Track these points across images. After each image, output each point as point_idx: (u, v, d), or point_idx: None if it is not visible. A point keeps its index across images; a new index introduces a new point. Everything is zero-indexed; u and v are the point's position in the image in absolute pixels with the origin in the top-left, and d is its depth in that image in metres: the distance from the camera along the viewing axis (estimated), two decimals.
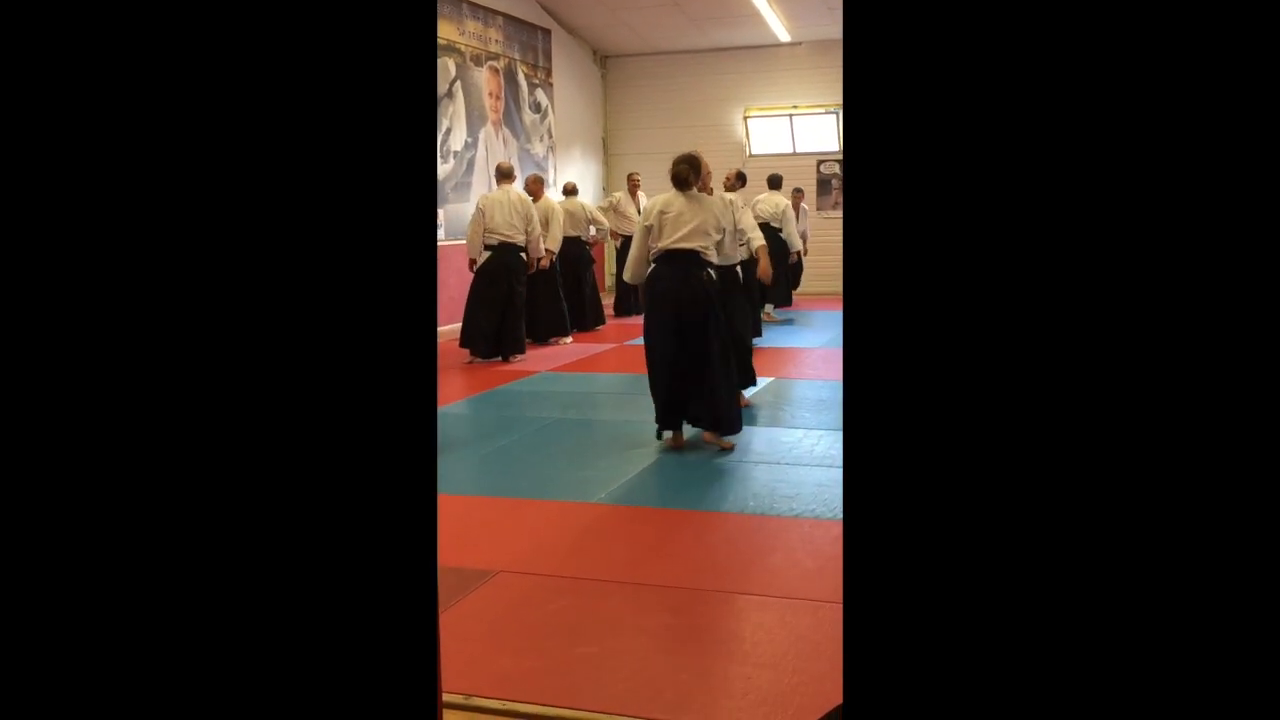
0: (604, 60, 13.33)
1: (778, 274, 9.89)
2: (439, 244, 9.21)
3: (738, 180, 7.01)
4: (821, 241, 11.71)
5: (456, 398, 6.35)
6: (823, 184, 12.62)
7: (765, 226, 9.47)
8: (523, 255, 7.73)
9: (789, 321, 9.91)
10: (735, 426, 4.84)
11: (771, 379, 6.59)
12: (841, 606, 1.06)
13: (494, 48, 10.62)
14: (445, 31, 9.71)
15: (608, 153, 13.48)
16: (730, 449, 4.80)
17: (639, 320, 9.75)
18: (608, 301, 10.53)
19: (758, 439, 5.02)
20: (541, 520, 3.81)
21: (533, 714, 2.33)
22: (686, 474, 4.47)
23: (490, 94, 10.54)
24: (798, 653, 2.63)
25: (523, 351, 7.82)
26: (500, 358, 7.68)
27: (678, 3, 11.30)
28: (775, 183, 9.98)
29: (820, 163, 12.63)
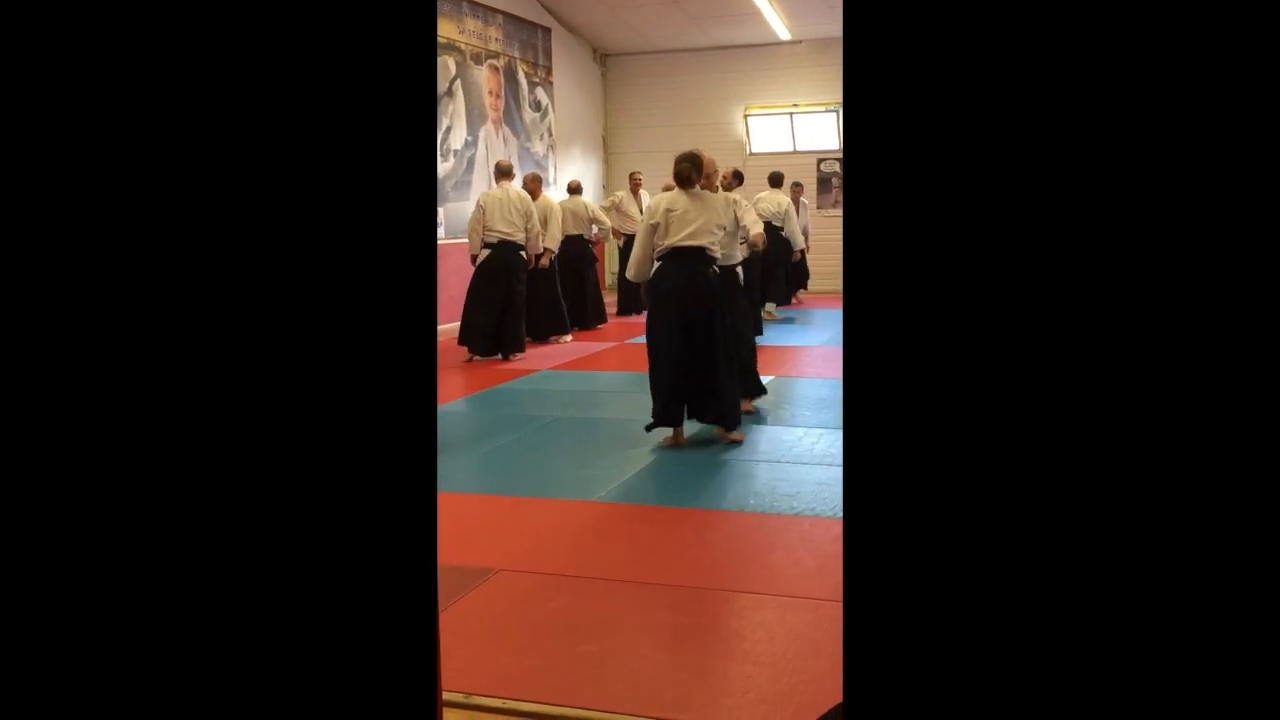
0: (604, 58, 13.33)
1: (779, 272, 9.90)
2: (439, 242, 9.21)
3: (735, 179, 7.01)
4: (822, 240, 11.70)
5: (457, 396, 6.35)
6: (823, 182, 12.61)
7: (767, 225, 9.47)
8: (522, 253, 7.73)
9: (790, 320, 9.91)
10: (739, 420, 4.96)
11: (772, 377, 6.59)
12: (841, 605, 1.06)
13: (494, 46, 10.62)
14: (445, 30, 9.70)
15: (608, 151, 13.48)
16: (740, 440, 4.89)
17: (641, 319, 9.75)
18: (610, 300, 10.53)
19: (758, 437, 5.02)
20: (542, 519, 3.81)
21: (533, 712, 2.33)
22: (687, 472, 4.47)
23: (490, 92, 10.53)
24: (798, 651, 2.63)
25: (523, 350, 7.82)
26: (500, 356, 7.67)
27: (678, 1, 11.30)
28: (776, 181, 9.97)
29: (820, 161, 12.62)
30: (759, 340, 6.69)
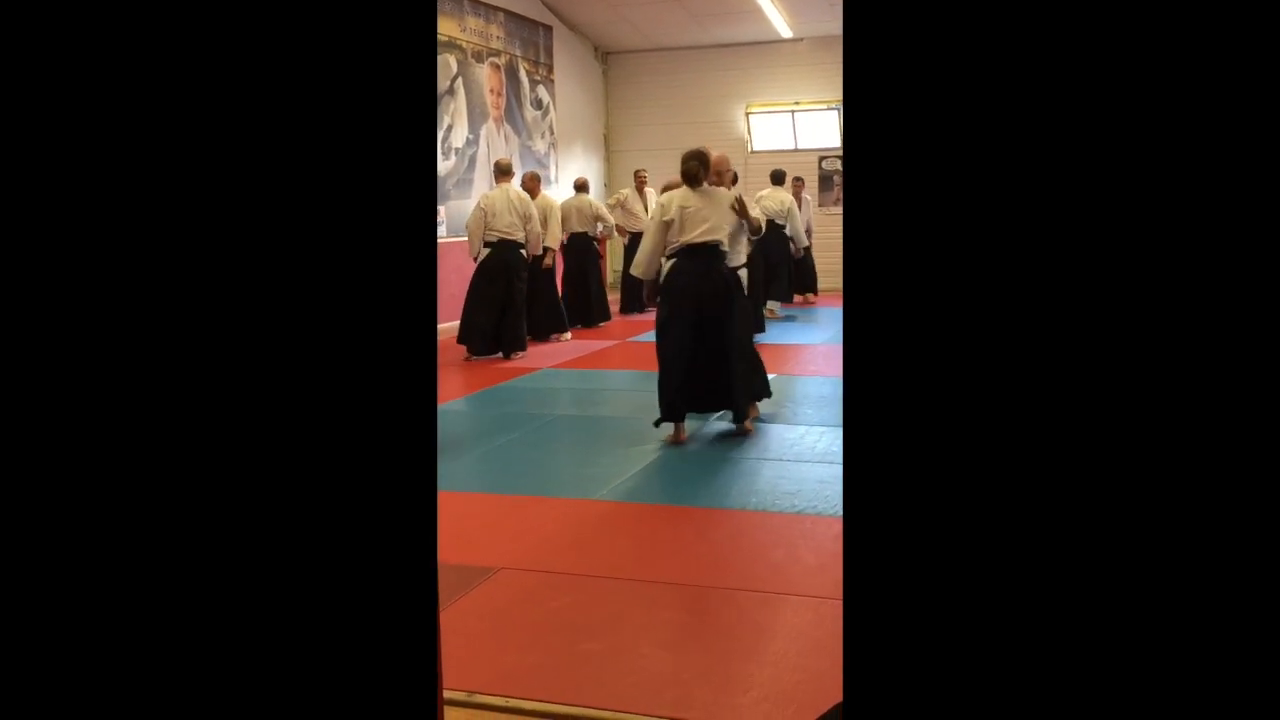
0: (605, 56, 13.32)
1: (782, 270, 9.88)
2: (440, 241, 9.21)
3: (731, 180, 7.00)
4: (823, 238, 11.69)
5: (458, 394, 6.35)
6: (824, 180, 12.60)
7: (770, 223, 9.45)
8: (522, 252, 7.73)
9: (791, 318, 9.91)
10: (746, 413, 5.10)
11: (774, 375, 6.58)
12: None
13: (495, 44, 10.61)
14: (446, 28, 9.70)
15: (609, 149, 13.48)
16: (751, 431, 5.02)
17: (644, 317, 9.78)
18: (612, 298, 10.52)
19: (760, 435, 5.02)
20: (543, 517, 3.81)
21: (535, 711, 2.33)
22: (689, 471, 4.47)
23: (492, 91, 10.53)
24: (799, 649, 2.63)
25: (524, 348, 7.81)
26: (500, 354, 7.67)
27: None
28: (778, 178, 9.96)
29: (822, 159, 12.61)
30: (761, 338, 6.69)
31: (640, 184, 10.57)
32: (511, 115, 10.96)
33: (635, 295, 10.26)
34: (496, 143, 10.55)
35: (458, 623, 2.80)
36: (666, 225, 4.84)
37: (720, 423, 5.24)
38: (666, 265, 4.92)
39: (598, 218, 9.63)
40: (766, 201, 9.42)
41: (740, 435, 4.99)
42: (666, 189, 5.26)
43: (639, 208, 10.31)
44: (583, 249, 9.55)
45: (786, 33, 12.16)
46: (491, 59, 10.53)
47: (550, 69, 11.85)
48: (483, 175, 10.05)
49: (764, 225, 5.54)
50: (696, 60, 12.84)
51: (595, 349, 8.20)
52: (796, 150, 12.60)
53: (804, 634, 2.73)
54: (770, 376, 5.48)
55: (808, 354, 7.64)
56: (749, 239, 5.44)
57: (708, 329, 4.82)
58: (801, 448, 4.77)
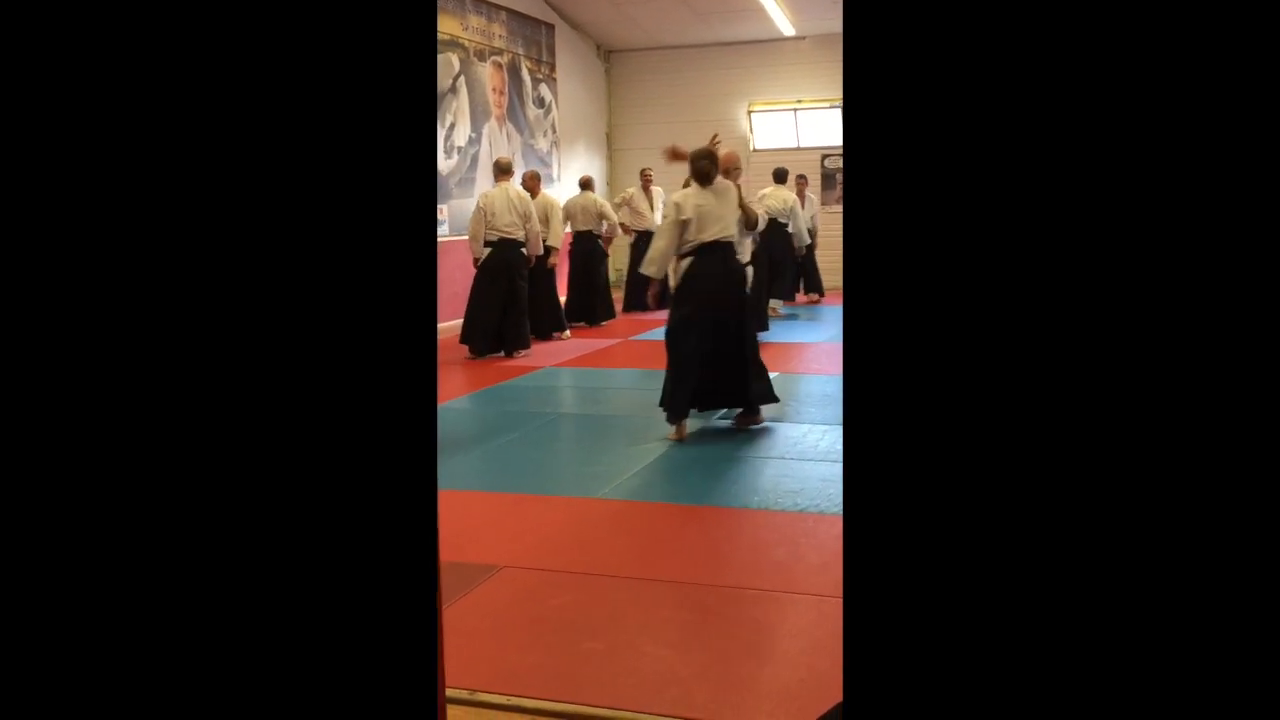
0: (608, 55, 13.32)
1: (785, 269, 9.87)
2: (443, 239, 9.21)
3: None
4: (825, 237, 11.68)
5: (461, 393, 6.35)
6: (827, 178, 12.58)
7: (772, 221, 9.44)
8: (523, 250, 7.73)
9: (794, 316, 9.90)
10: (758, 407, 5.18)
11: (777, 373, 6.58)
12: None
13: (498, 43, 10.61)
14: (449, 26, 9.70)
15: (612, 148, 13.47)
16: (760, 421, 5.07)
17: (648, 316, 9.77)
18: (616, 296, 10.52)
19: (763, 434, 5.02)
20: (546, 515, 3.81)
21: (537, 709, 2.33)
22: (691, 469, 4.47)
23: (494, 89, 10.53)
24: (802, 648, 2.63)
25: (527, 346, 7.81)
26: (502, 353, 7.67)
27: None
28: (780, 177, 9.95)
29: (825, 157, 12.60)
30: (764, 336, 6.69)
31: (646, 183, 10.54)
32: (514, 114, 10.95)
33: (640, 293, 10.25)
34: (499, 141, 10.55)
35: (460, 621, 2.80)
36: (684, 225, 4.85)
37: (722, 421, 5.24)
38: (682, 264, 4.92)
39: (602, 216, 9.62)
40: (769, 200, 9.41)
41: (742, 432, 4.99)
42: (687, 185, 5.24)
43: (645, 206, 10.30)
44: (587, 247, 9.54)
45: (789, 31, 12.15)
46: (494, 57, 10.53)
47: (553, 67, 11.84)
48: (485, 174, 10.05)
49: (761, 220, 5.56)
50: (699, 58, 12.83)
51: (598, 347, 8.20)
52: (799, 149, 12.59)
53: (806, 632, 2.73)
54: (773, 375, 5.47)
55: (810, 352, 7.64)
56: (754, 236, 5.46)
57: (729, 324, 4.88)
58: (804, 446, 4.76)
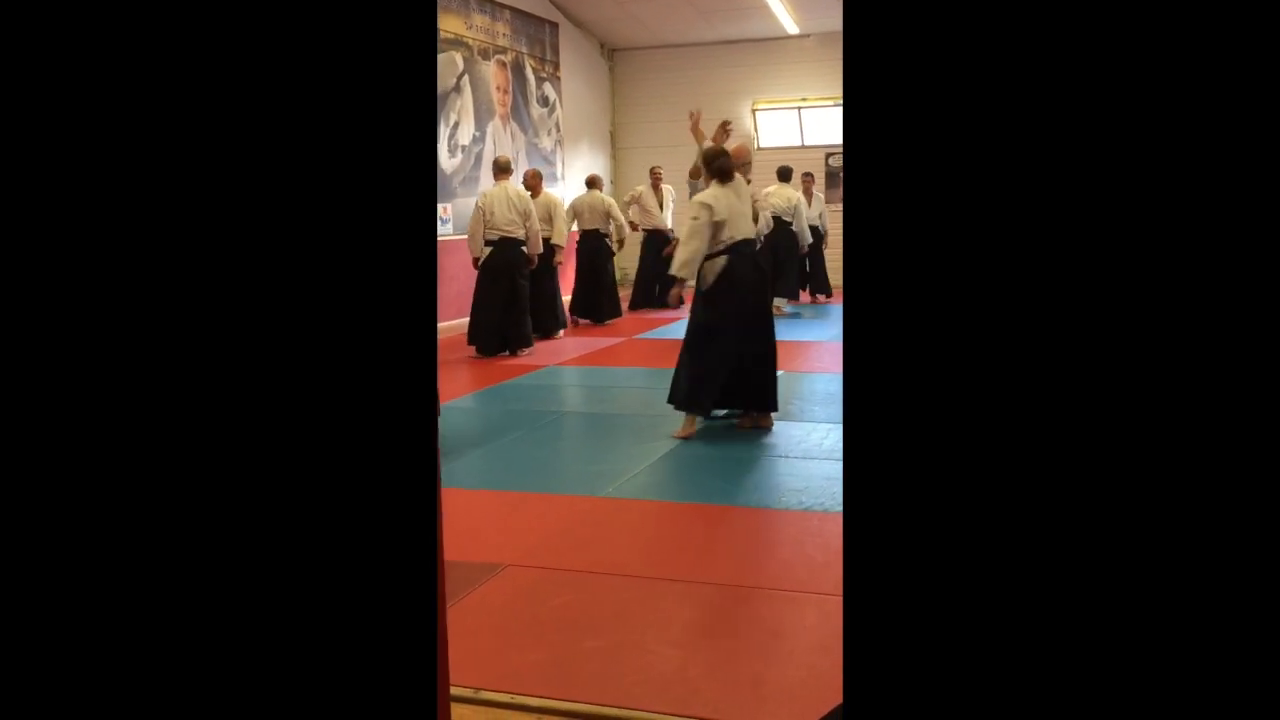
0: (612, 53, 13.31)
1: (789, 268, 9.87)
2: (447, 238, 9.22)
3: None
4: (833, 235, 11.66)
5: (465, 391, 6.35)
6: (831, 177, 12.57)
7: (776, 220, 9.44)
8: (524, 249, 7.72)
9: (798, 315, 9.89)
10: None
11: (781, 372, 6.57)
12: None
13: (501, 41, 10.61)
14: (452, 25, 9.70)
15: (616, 146, 13.47)
16: (770, 426, 5.04)
17: (655, 314, 9.77)
18: (623, 293, 10.51)
19: (767, 432, 5.01)
20: (549, 514, 3.81)
21: (540, 707, 2.33)
22: (695, 468, 4.46)
23: (498, 88, 10.53)
24: (805, 647, 2.63)
25: (530, 345, 7.81)
26: (507, 352, 7.67)
27: None
28: (785, 175, 9.94)
29: (829, 155, 12.59)
30: None
31: (656, 181, 10.50)
32: (518, 112, 10.95)
33: (648, 292, 10.23)
34: (503, 140, 10.55)
35: (464, 619, 2.80)
36: (719, 225, 4.79)
37: (726, 420, 5.24)
38: (716, 264, 4.85)
39: (609, 215, 9.60)
40: (774, 198, 9.40)
41: (745, 431, 5.00)
42: (695, 174, 5.21)
43: (654, 204, 10.27)
44: (594, 246, 9.54)
45: (793, 29, 12.14)
46: (498, 56, 10.53)
47: (556, 66, 11.84)
48: (489, 172, 10.05)
49: (766, 220, 5.58)
50: (703, 57, 12.82)
51: (603, 345, 8.20)
52: (803, 147, 12.58)
53: (810, 631, 2.73)
54: (777, 373, 5.47)
55: (814, 351, 7.63)
56: (759, 235, 5.47)
57: (760, 321, 4.91)
58: (809, 444, 4.76)
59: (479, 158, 10.06)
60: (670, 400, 5.03)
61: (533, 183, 8.61)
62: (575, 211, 9.63)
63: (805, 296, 10.89)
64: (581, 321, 9.48)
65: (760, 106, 12.78)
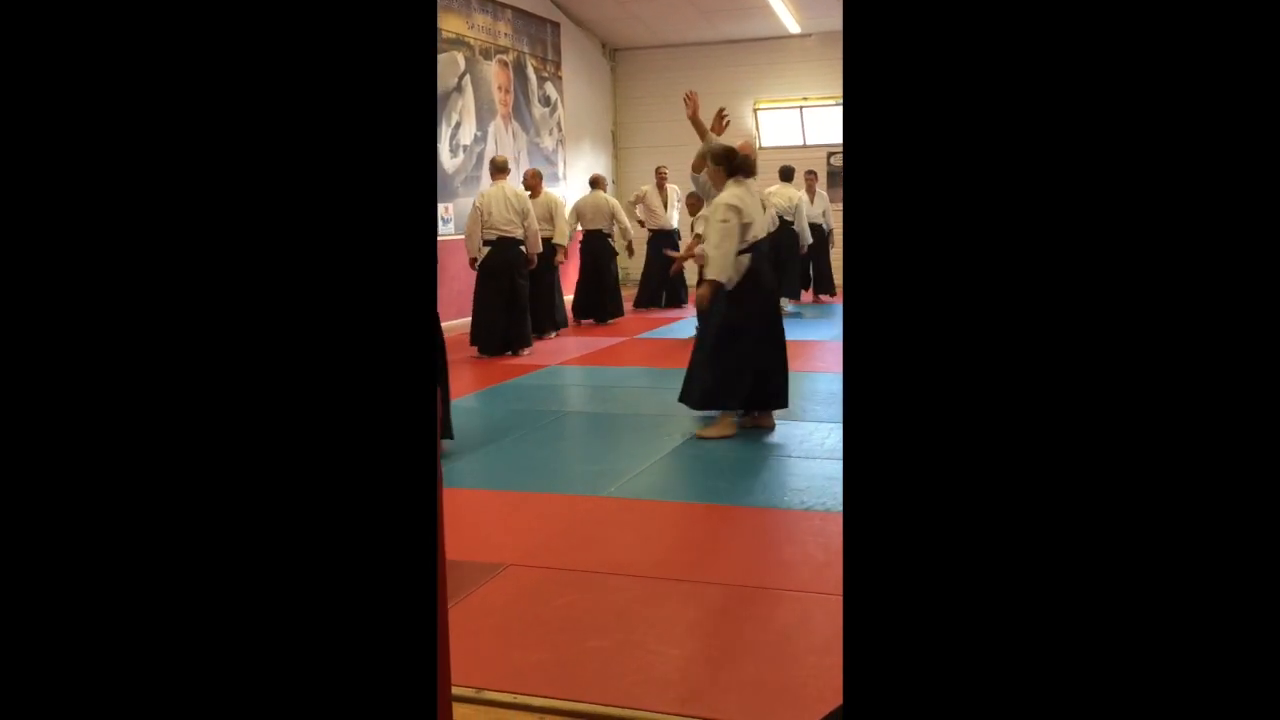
0: (613, 53, 13.31)
1: (791, 267, 9.86)
2: (449, 238, 9.22)
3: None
4: (837, 234, 11.66)
5: (467, 391, 6.35)
6: (833, 176, 12.57)
7: (779, 220, 9.43)
8: (522, 249, 7.72)
9: (799, 314, 9.89)
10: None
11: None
12: None
13: (503, 41, 10.61)
14: (454, 25, 9.71)
15: (617, 146, 13.47)
16: (771, 426, 5.06)
17: (659, 315, 9.77)
18: (633, 294, 10.51)
19: (769, 432, 5.01)
20: (551, 513, 3.81)
21: (543, 707, 2.33)
22: (697, 467, 4.47)
23: (499, 88, 10.53)
24: (808, 647, 2.63)
25: (530, 345, 7.82)
26: (509, 352, 7.68)
27: None
28: (787, 175, 9.94)
29: (830, 155, 12.59)
30: None
31: (661, 180, 10.48)
32: (519, 112, 10.95)
33: (652, 292, 10.22)
34: (504, 140, 10.55)
35: (466, 619, 2.80)
36: (747, 227, 4.81)
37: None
38: (740, 262, 4.84)
39: (613, 216, 9.59)
40: (775, 198, 9.39)
41: (747, 430, 5.01)
42: (699, 162, 5.19)
43: (658, 204, 10.26)
44: (598, 246, 9.54)
45: (794, 28, 12.14)
46: (499, 56, 10.53)
47: (558, 66, 11.84)
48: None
49: (771, 220, 5.60)
50: (705, 56, 12.82)
51: (605, 345, 8.20)
52: (805, 146, 12.58)
53: (812, 630, 2.73)
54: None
55: (816, 350, 7.63)
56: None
57: (778, 324, 4.98)
58: (810, 444, 4.76)
59: (480, 157, 10.06)
60: (684, 400, 5.05)
61: (532, 183, 8.60)
62: (579, 212, 9.62)
63: (806, 296, 10.88)
64: (584, 322, 9.48)
65: (762, 106, 12.78)
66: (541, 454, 4.77)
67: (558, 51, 11.83)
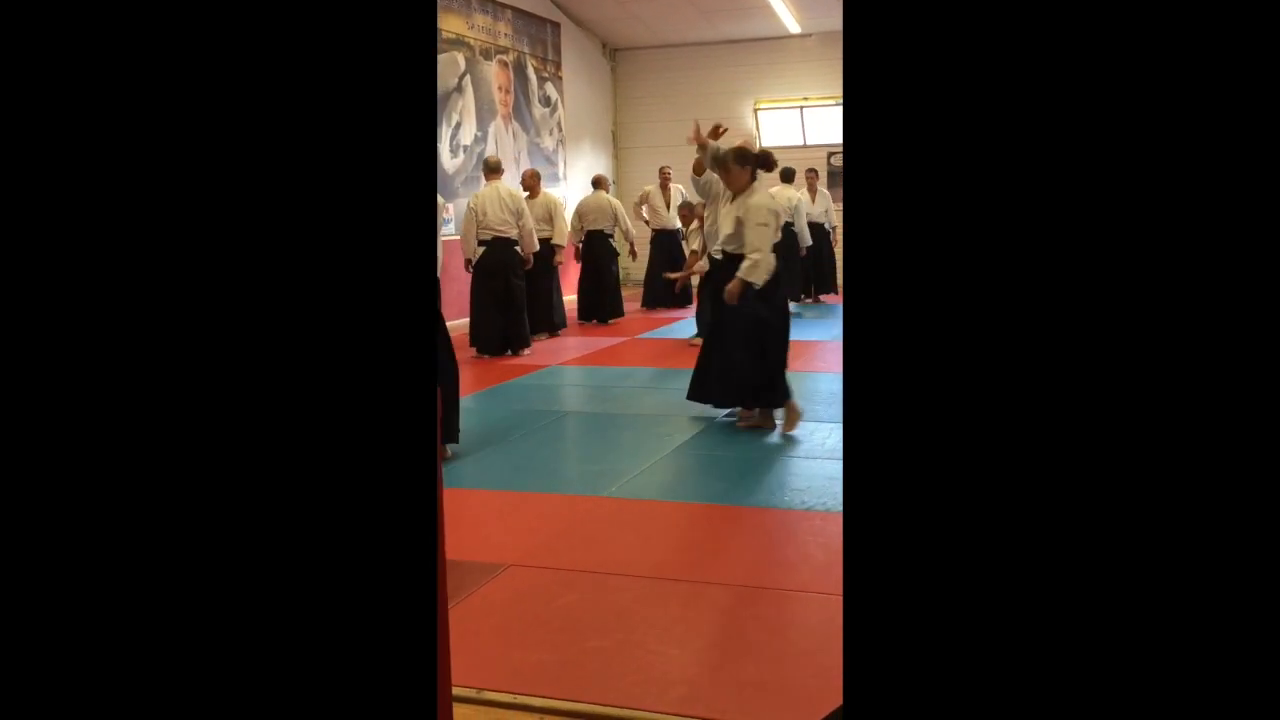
0: (614, 53, 13.31)
1: (791, 267, 9.85)
2: (450, 238, 9.22)
3: None
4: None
5: (467, 391, 6.35)
6: (833, 176, 12.56)
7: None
8: (517, 249, 7.71)
9: (799, 314, 9.89)
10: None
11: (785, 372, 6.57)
12: None
13: (503, 41, 10.61)
14: (454, 25, 9.71)
15: (618, 146, 13.47)
16: (772, 426, 5.06)
17: (661, 315, 9.76)
18: (633, 294, 10.49)
19: (769, 432, 5.01)
20: (552, 514, 3.81)
21: (543, 707, 2.33)
22: (698, 468, 4.47)
23: (500, 88, 10.53)
24: (808, 647, 2.62)
25: (528, 345, 7.81)
26: (509, 352, 7.67)
27: None
28: (787, 176, 9.92)
29: (831, 155, 12.58)
30: None
31: (665, 180, 10.46)
32: (520, 112, 10.95)
33: (656, 292, 10.20)
34: (505, 140, 10.55)
35: (466, 619, 2.80)
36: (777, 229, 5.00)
37: (728, 418, 5.24)
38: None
39: (616, 217, 9.58)
40: (776, 199, 9.38)
41: (748, 430, 5.01)
42: (710, 161, 5.22)
43: (662, 204, 10.25)
44: (599, 246, 9.53)
45: (795, 28, 12.14)
46: (499, 56, 10.53)
47: (558, 66, 11.84)
48: None
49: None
50: (705, 56, 12.82)
51: (606, 345, 8.20)
52: (805, 146, 12.57)
53: (813, 630, 2.72)
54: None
55: (816, 350, 7.63)
56: None
57: (784, 325, 5.06)
58: (811, 444, 4.76)
59: (481, 157, 10.06)
60: (701, 398, 5.11)
61: (530, 183, 8.59)
62: (581, 212, 9.61)
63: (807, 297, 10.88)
64: (589, 323, 9.47)
65: (762, 106, 12.78)
66: (542, 454, 4.76)
67: (558, 52, 11.83)
